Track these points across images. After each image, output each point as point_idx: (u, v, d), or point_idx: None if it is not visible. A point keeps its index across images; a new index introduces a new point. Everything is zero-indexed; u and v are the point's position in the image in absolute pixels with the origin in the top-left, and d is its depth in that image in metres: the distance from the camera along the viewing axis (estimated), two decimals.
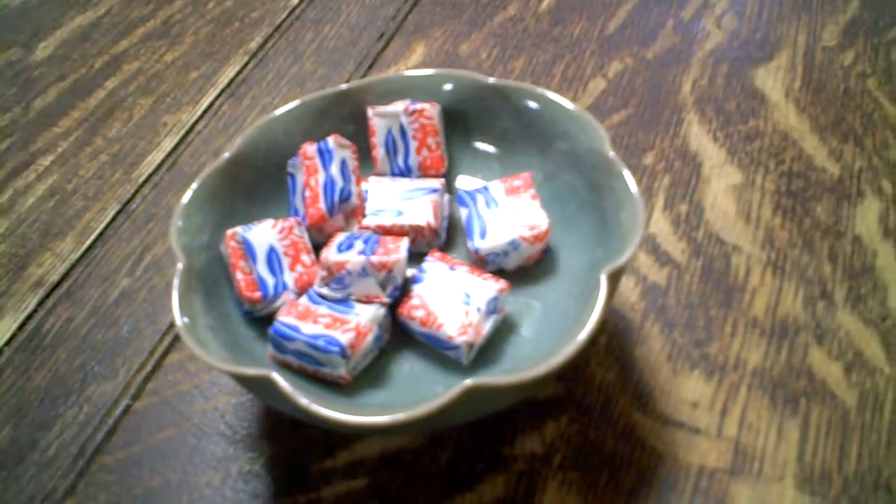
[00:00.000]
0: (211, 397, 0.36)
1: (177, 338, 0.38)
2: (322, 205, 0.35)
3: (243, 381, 0.29)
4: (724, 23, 0.51)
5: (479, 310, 0.32)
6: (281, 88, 0.51)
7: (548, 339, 0.32)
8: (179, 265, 0.32)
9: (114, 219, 0.44)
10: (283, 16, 0.57)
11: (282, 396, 0.27)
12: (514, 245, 0.34)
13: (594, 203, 0.35)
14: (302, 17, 0.56)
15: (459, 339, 0.32)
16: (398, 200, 0.36)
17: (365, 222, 0.36)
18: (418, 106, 0.37)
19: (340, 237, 0.34)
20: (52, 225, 0.44)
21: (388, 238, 0.34)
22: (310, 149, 0.35)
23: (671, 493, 0.31)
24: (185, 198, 0.34)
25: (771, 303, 0.37)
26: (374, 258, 0.32)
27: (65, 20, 0.59)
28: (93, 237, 0.43)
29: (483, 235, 0.35)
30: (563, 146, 0.37)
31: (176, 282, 0.31)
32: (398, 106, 0.37)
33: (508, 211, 0.35)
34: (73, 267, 0.42)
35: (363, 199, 0.36)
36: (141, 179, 0.46)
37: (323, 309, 0.32)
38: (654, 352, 0.36)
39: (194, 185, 0.35)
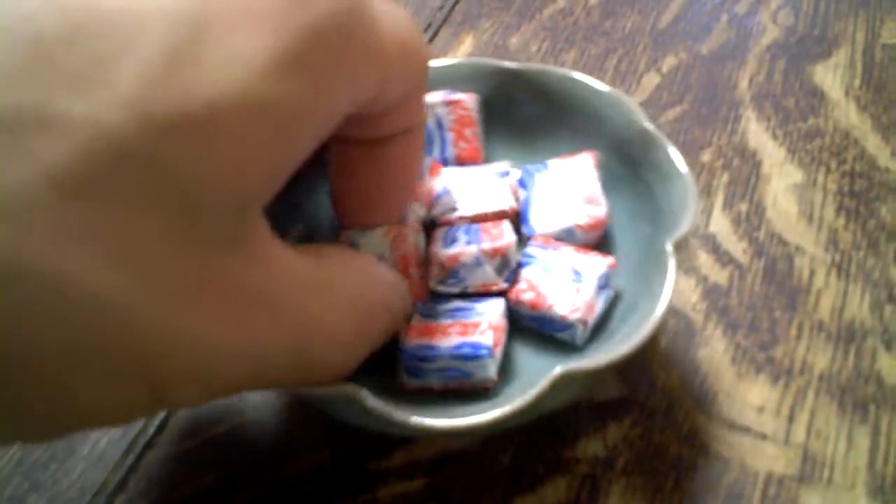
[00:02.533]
0: (264, 392, 0.35)
1: None
2: None
3: (319, 400, 0.29)
4: (780, 18, 0.50)
5: (590, 286, 0.31)
6: None
7: (608, 321, 0.32)
8: None
9: None
10: None
11: (369, 412, 0.27)
12: (569, 232, 0.34)
13: (634, 177, 0.35)
14: None
15: (573, 317, 0.31)
16: (472, 188, 0.36)
17: (445, 214, 0.35)
18: (455, 97, 0.36)
19: (440, 233, 0.33)
20: None
21: (488, 224, 0.33)
22: None
23: (739, 499, 0.30)
24: None
25: (836, 306, 0.36)
26: (486, 245, 0.32)
27: None
28: None
29: (539, 217, 0.34)
30: (594, 125, 0.36)
31: None
32: (436, 97, 0.36)
33: (566, 194, 0.34)
34: None
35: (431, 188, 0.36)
36: None
37: (445, 320, 0.31)
38: (717, 354, 0.35)
39: None
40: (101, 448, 0.34)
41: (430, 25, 0.53)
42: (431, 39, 0.52)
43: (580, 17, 0.52)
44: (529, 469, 0.32)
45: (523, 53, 0.50)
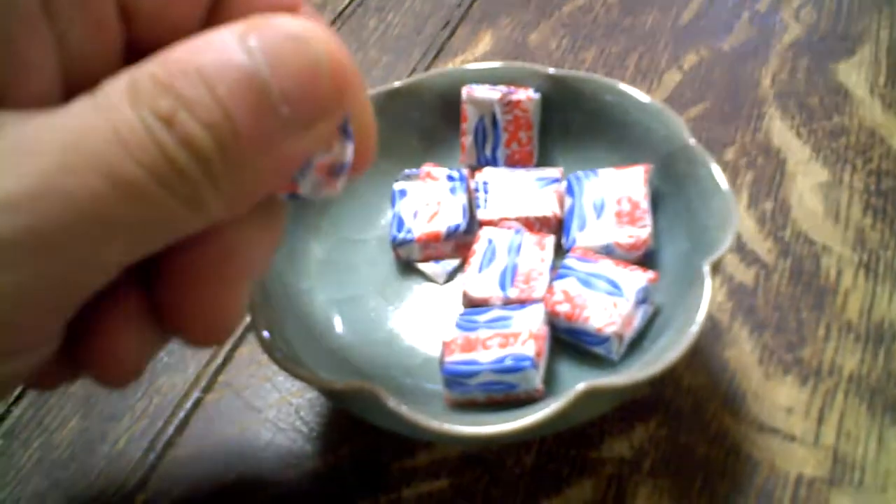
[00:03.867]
0: (284, 391, 0.35)
1: (248, 329, 0.37)
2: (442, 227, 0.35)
3: (340, 396, 0.28)
4: (802, 16, 0.50)
5: (627, 300, 0.31)
6: None
7: (644, 335, 0.31)
8: None
9: None
10: (346, 2, 0.55)
11: (387, 412, 0.26)
12: (608, 249, 0.33)
13: (674, 194, 0.34)
14: (365, 3, 0.55)
15: (608, 330, 0.30)
16: (520, 191, 0.35)
17: (488, 215, 0.35)
18: (515, 97, 0.36)
19: (481, 245, 0.34)
20: None
21: (529, 268, 0.33)
22: (435, 171, 0.36)
23: (769, 501, 0.30)
24: None
25: (865, 306, 0.35)
26: (514, 293, 0.32)
27: None
28: None
29: (580, 230, 0.34)
30: (635, 137, 0.35)
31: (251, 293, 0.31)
32: (494, 93, 0.36)
33: (612, 208, 0.34)
34: None
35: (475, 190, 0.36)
36: None
37: (484, 332, 0.31)
38: (744, 354, 0.34)
39: None
40: (121, 447, 0.33)
41: (448, 23, 0.52)
42: (450, 37, 0.51)
43: (600, 13, 0.52)
44: (554, 470, 0.31)
45: (542, 51, 0.49)
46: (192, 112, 0.18)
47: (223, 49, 0.18)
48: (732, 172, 0.41)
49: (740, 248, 0.38)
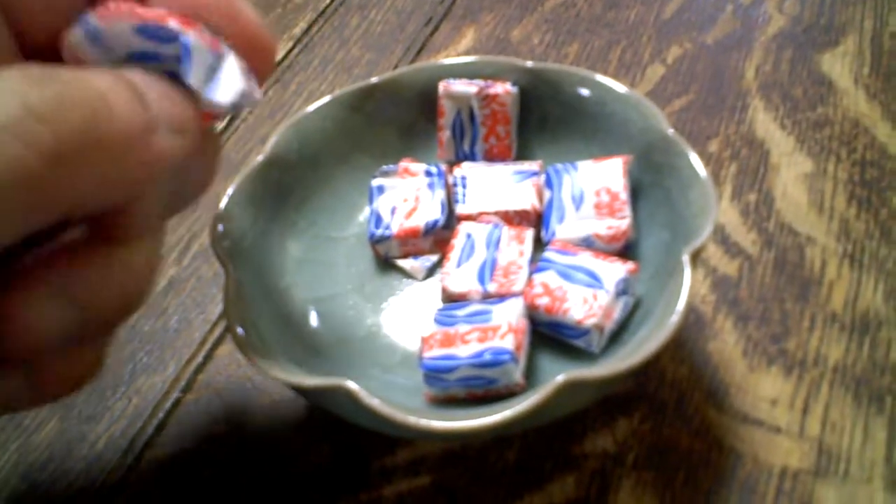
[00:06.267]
0: (264, 390, 0.34)
1: (228, 329, 0.37)
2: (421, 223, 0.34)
3: (317, 394, 0.28)
4: (786, 7, 0.50)
5: (607, 292, 0.30)
6: (328, 74, 0.49)
7: (625, 327, 0.31)
8: (227, 273, 0.31)
9: None
10: (328, 0, 0.55)
11: (365, 409, 0.26)
12: (587, 241, 0.33)
13: (654, 184, 0.34)
14: (347, 1, 0.55)
15: (588, 322, 0.30)
16: (498, 185, 0.35)
17: (467, 210, 0.35)
18: (492, 91, 0.36)
19: (459, 240, 0.33)
20: None
21: (508, 258, 0.33)
22: (413, 166, 0.35)
23: (752, 494, 0.30)
24: (222, 203, 0.33)
25: (850, 296, 0.35)
26: (493, 287, 0.32)
27: None
28: None
29: (559, 223, 0.33)
30: (613, 128, 0.35)
31: (225, 291, 0.30)
32: (471, 88, 0.36)
33: (591, 200, 0.33)
34: None
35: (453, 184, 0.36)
36: None
37: (463, 327, 0.30)
38: (728, 347, 0.34)
39: (230, 191, 0.33)
40: (99, 448, 0.33)
41: (430, 20, 0.52)
42: (432, 34, 0.51)
43: (583, 8, 0.51)
44: (537, 465, 0.31)
45: (525, 46, 0.49)
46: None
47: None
48: (716, 164, 0.41)
49: (724, 240, 0.38)
